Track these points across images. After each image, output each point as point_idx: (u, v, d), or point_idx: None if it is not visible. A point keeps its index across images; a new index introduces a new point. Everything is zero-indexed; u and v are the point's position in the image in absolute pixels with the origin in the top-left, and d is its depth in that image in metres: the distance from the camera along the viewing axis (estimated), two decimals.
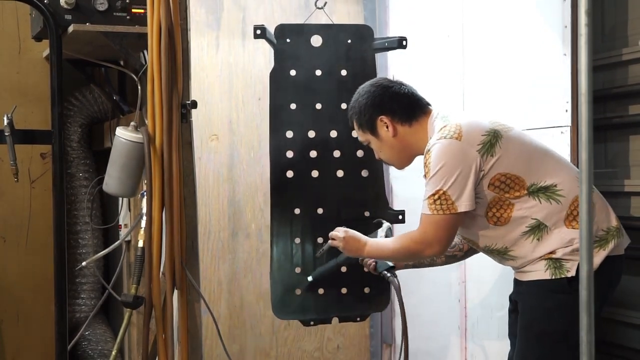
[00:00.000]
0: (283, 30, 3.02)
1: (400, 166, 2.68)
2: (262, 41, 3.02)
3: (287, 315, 3.09)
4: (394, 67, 3.82)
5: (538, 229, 2.37)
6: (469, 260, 2.87)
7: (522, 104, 3.00)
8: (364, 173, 3.07)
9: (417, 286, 3.46)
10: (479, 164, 2.35)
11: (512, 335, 2.60)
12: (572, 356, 2.01)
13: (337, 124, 3.04)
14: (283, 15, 3.69)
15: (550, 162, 2.42)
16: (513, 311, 2.57)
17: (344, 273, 3.02)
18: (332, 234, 2.76)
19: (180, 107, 2.78)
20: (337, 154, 3.05)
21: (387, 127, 2.57)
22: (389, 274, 2.76)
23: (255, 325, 3.71)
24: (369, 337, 3.93)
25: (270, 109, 3.01)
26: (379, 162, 2.88)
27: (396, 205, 3.43)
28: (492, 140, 2.37)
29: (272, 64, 3.02)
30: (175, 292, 2.80)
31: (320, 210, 3.04)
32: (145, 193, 2.77)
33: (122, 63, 3.46)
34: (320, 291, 3.03)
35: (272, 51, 3.03)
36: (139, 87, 2.94)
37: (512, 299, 2.58)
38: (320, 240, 3.03)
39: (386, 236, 2.88)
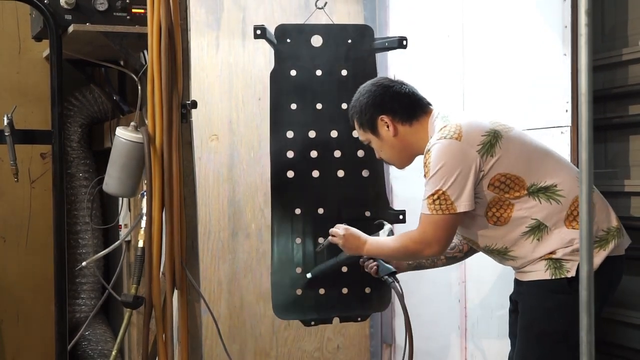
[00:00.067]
0: (283, 30, 3.02)
1: (401, 166, 2.68)
2: (262, 41, 3.02)
3: (287, 315, 3.09)
4: (394, 67, 3.82)
5: (538, 229, 2.37)
6: (469, 260, 2.87)
7: (522, 104, 3.00)
8: (365, 173, 3.07)
9: (417, 286, 3.46)
10: (478, 164, 2.35)
11: (512, 335, 2.60)
12: (572, 356, 2.01)
13: (338, 124, 3.04)
14: (283, 16, 3.69)
15: (550, 162, 2.42)
16: (513, 311, 2.57)
17: (345, 273, 3.02)
18: (332, 230, 2.76)
19: (180, 107, 2.78)
20: (337, 154, 3.05)
21: (388, 127, 2.57)
22: (390, 279, 2.76)
23: (256, 325, 3.71)
24: (369, 337, 3.93)
25: (271, 109, 3.02)
26: (379, 162, 2.88)
27: (396, 205, 3.43)
28: (492, 140, 2.37)
29: (272, 64, 3.02)
30: (175, 292, 2.80)
31: (320, 210, 3.04)
32: (145, 193, 2.77)
33: (122, 63, 3.46)
34: (321, 291, 3.03)
35: (272, 51, 3.03)
36: (139, 87, 2.94)
37: (513, 299, 2.58)
38: (321, 240, 3.03)
39: None
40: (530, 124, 2.91)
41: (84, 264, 3.13)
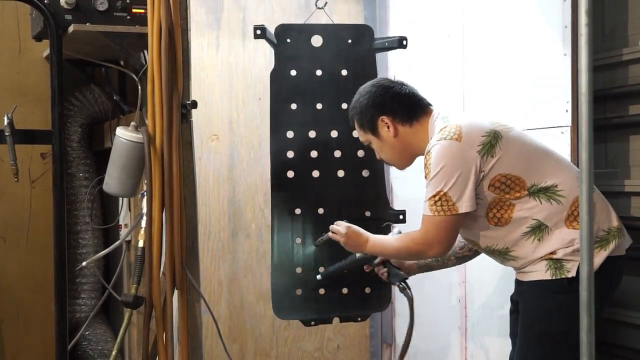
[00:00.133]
0: (283, 30, 3.02)
1: (401, 166, 2.68)
2: (263, 41, 3.01)
3: (287, 315, 3.09)
4: (394, 67, 3.82)
5: (539, 229, 2.37)
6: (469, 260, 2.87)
7: (522, 104, 3.00)
8: (365, 173, 3.07)
9: (417, 286, 3.44)
10: (479, 165, 2.35)
11: (513, 335, 2.60)
12: (572, 357, 2.01)
13: (338, 124, 3.04)
14: (283, 15, 3.69)
15: (550, 163, 2.42)
16: (514, 311, 2.57)
17: (345, 273, 3.02)
18: (333, 227, 2.76)
19: (181, 107, 2.78)
20: (337, 154, 3.05)
21: (388, 127, 2.57)
22: (401, 285, 2.76)
23: (256, 325, 3.71)
24: (369, 337, 3.93)
25: (271, 109, 3.01)
26: (379, 162, 2.88)
27: (397, 205, 3.43)
28: (492, 141, 2.37)
29: (272, 64, 3.02)
30: (176, 292, 2.80)
31: (321, 210, 3.04)
32: (145, 193, 2.77)
33: (122, 63, 3.46)
34: (321, 291, 3.03)
35: (272, 51, 3.03)
36: (139, 87, 2.94)
37: (514, 299, 2.58)
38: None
39: None
40: (530, 124, 2.91)
41: (84, 263, 3.13)
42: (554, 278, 2.34)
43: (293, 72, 3.02)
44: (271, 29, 3.00)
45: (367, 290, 3.07)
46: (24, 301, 4.06)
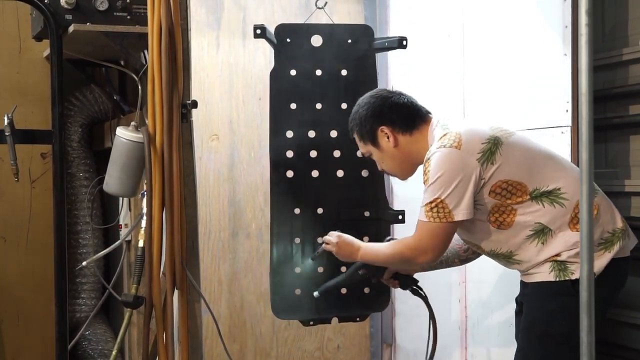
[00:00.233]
0: (283, 29, 3.02)
1: (403, 177, 2.67)
2: (263, 41, 3.01)
3: (286, 315, 3.09)
4: (394, 67, 3.82)
5: (542, 232, 2.36)
6: None
7: (522, 104, 3.00)
8: (364, 173, 3.06)
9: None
10: (478, 173, 2.34)
11: (517, 337, 2.59)
12: (574, 358, 2.01)
13: (338, 123, 3.03)
14: (283, 15, 3.69)
15: (552, 166, 2.41)
16: (519, 313, 2.57)
17: (345, 273, 3.01)
18: (326, 238, 2.76)
19: (181, 107, 2.78)
20: (337, 153, 3.05)
21: (388, 138, 2.56)
22: (414, 287, 2.76)
23: (256, 325, 3.71)
24: (369, 337, 3.93)
25: (271, 109, 3.01)
26: None
27: (396, 206, 3.43)
28: (492, 148, 2.36)
29: (272, 64, 3.02)
30: (176, 292, 2.80)
31: (320, 210, 3.04)
32: (145, 193, 2.77)
33: (122, 63, 3.47)
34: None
35: (272, 51, 3.03)
36: (140, 87, 2.94)
37: (518, 300, 2.58)
38: (320, 240, 3.03)
39: None
40: (530, 124, 2.91)
41: (84, 263, 3.14)
42: (557, 280, 2.34)
43: (293, 72, 3.02)
44: (271, 28, 3.00)
45: (366, 290, 3.07)
46: (24, 301, 4.06)
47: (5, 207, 4.02)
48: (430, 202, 2.36)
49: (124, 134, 2.79)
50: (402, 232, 3.34)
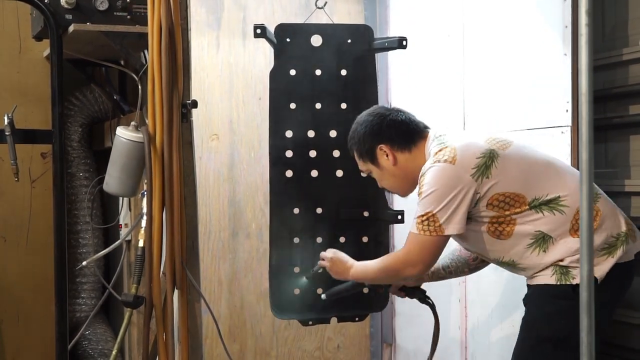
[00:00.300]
0: (283, 29, 3.02)
1: (404, 194, 2.67)
2: (263, 41, 3.02)
3: (285, 315, 3.09)
4: (394, 67, 3.82)
5: (543, 240, 2.36)
6: None
7: (522, 104, 3.00)
8: (364, 173, 3.06)
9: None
10: (473, 188, 2.34)
11: None
12: None
13: (337, 123, 3.04)
14: (283, 15, 3.69)
15: (552, 174, 2.40)
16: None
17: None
18: (322, 254, 2.79)
19: (181, 107, 2.78)
20: (336, 153, 3.05)
21: (387, 156, 2.57)
22: (421, 296, 2.76)
23: (256, 325, 3.72)
24: (369, 336, 3.93)
25: (270, 109, 3.01)
26: None
27: (395, 206, 3.43)
28: (488, 162, 2.36)
29: (272, 64, 3.02)
30: (176, 291, 2.80)
31: (319, 210, 3.04)
32: (145, 193, 2.77)
33: (122, 63, 3.47)
34: (319, 291, 3.02)
35: (272, 51, 3.03)
36: (140, 87, 2.94)
37: (524, 302, 2.58)
38: (319, 240, 3.03)
39: None
40: (530, 124, 2.91)
41: (84, 263, 3.14)
42: (558, 283, 2.33)
43: (292, 72, 3.02)
44: (271, 28, 3.00)
45: (365, 290, 3.07)
46: (24, 301, 4.06)
47: (5, 207, 4.03)
48: (422, 215, 2.38)
49: (124, 134, 2.79)
50: (402, 232, 3.35)
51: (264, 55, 3.64)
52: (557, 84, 2.80)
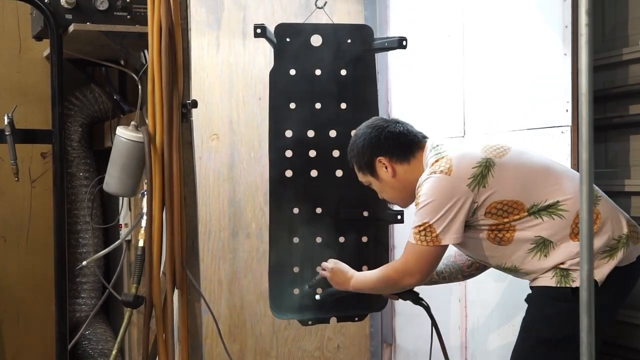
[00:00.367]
0: (283, 29, 3.02)
1: (405, 204, 2.67)
2: (263, 41, 3.02)
3: (285, 315, 3.09)
4: (394, 67, 3.82)
5: (543, 245, 2.36)
6: None
7: (522, 104, 3.00)
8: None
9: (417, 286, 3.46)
10: (469, 198, 2.35)
11: None
12: None
13: (337, 123, 3.04)
14: (283, 15, 3.69)
15: (550, 179, 2.39)
16: None
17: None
18: (323, 264, 2.79)
19: (181, 107, 2.78)
20: (336, 153, 3.05)
21: (386, 168, 2.57)
22: (414, 297, 2.76)
23: (256, 324, 3.72)
24: (369, 336, 3.93)
25: (270, 109, 3.01)
26: None
27: (395, 206, 3.42)
28: (484, 171, 2.36)
29: (272, 64, 3.02)
30: (176, 291, 2.80)
31: (319, 210, 3.04)
32: (145, 192, 2.77)
33: (122, 63, 3.47)
34: (319, 291, 3.02)
35: (272, 51, 3.03)
36: (140, 87, 2.94)
37: (526, 302, 2.58)
38: (319, 240, 3.03)
39: None
40: (530, 124, 2.91)
41: (84, 263, 3.14)
42: (558, 286, 2.33)
43: (292, 72, 3.02)
44: (271, 28, 3.00)
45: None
46: (24, 301, 4.06)
47: (5, 207, 4.03)
48: (419, 226, 2.38)
49: (124, 134, 2.79)
50: (402, 232, 3.35)
51: (264, 55, 3.64)
52: (557, 84, 2.80)
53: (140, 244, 2.83)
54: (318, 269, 2.83)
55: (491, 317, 3.23)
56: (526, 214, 2.36)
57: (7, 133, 2.91)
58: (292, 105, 3.02)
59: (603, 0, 2.87)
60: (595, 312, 1.80)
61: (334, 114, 3.04)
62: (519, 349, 2.44)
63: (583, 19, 1.77)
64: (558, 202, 2.35)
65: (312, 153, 3.04)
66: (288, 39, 3.01)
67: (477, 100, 3.26)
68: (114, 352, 2.98)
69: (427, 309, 2.75)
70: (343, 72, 3.06)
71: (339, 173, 3.06)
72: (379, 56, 3.16)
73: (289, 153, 3.01)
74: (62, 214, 2.70)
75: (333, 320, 3.15)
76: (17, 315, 4.07)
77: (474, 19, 3.29)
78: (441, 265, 2.75)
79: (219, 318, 3.35)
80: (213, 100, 3.62)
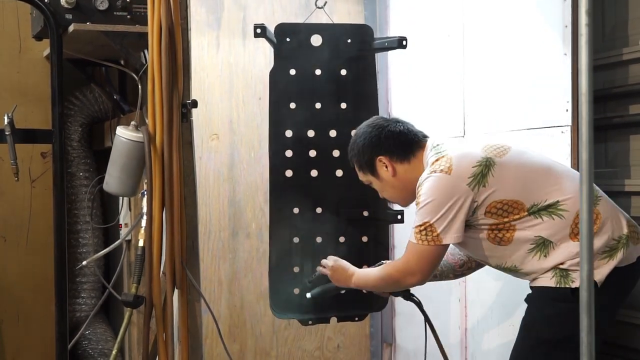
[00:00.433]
0: (283, 29, 3.02)
1: (405, 204, 2.67)
2: (263, 41, 3.02)
3: (285, 314, 3.09)
4: (394, 67, 3.82)
5: (543, 245, 2.36)
6: None
7: (522, 104, 3.00)
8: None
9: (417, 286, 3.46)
10: (470, 197, 2.35)
11: None
12: None
13: (337, 123, 3.04)
14: (283, 15, 3.69)
15: (550, 179, 2.39)
16: None
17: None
18: (323, 261, 2.79)
19: (181, 107, 2.78)
20: (336, 153, 3.05)
21: (387, 167, 2.57)
22: (406, 293, 2.76)
23: (256, 324, 3.72)
24: (369, 336, 3.93)
25: (270, 108, 3.02)
26: None
27: (395, 206, 3.42)
28: (484, 170, 2.36)
29: (272, 64, 3.02)
30: (176, 291, 2.80)
31: (319, 210, 3.04)
32: (145, 192, 2.77)
33: (122, 62, 3.47)
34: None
35: (272, 50, 3.03)
36: (140, 87, 2.94)
37: (526, 302, 2.58)
38: (319, 239, 3.03)
39: None
40: (530, 124, 2.91)
41: (84, 263, 3.14)
42: (558, 286, 2.33)
43: (292, 72, 3.02)
44: (271, 28, 3.00)
45: (365, 290, 3.07)
46: (24, 301, 4.06)
47: (5, 206, 4.02)
48: (420, 225, 2.38)
49: (124, 134, 2.79)
50: (402, 232, 3.35)
51: (264, 55, 3.64)
52: (557, 84, 2.80)
53: (140, 243, 2.83)
54: (318, 268, 2.83)
55: (491, 317, 3.23)
56: (526, 213, 2.36)
57: (7, 133, 2.91)
58: (292, 105, 3.02)
59: (603, 0, 2.87)
60: (595, 312, 1.80)
61: (334, 113, 3.04)
62: (519, 348, 2.44)
63: (583, 18, 1.77)
64: (558, 202, 2.35)
65: (312, 153, 3.04)
66: (288, 39, 3.01)
67: (477, 100, 3.26)
68: (114, 352, 2.98)
69: (419, 304, 2.74)
70: (343, 72, 3.06)
71: (339, 173, 3.06)
72: (379, 56, 3.16)
73: (289, 153, 3.01)
74: (62, 213, 2.70)
75: (333, 320, 3.15)
76: (17, 315, 4.07)
77: (474, 19, 3.29)
78: None
79: (219, 318, 3.35)
80: (213, 100, 3.63)
